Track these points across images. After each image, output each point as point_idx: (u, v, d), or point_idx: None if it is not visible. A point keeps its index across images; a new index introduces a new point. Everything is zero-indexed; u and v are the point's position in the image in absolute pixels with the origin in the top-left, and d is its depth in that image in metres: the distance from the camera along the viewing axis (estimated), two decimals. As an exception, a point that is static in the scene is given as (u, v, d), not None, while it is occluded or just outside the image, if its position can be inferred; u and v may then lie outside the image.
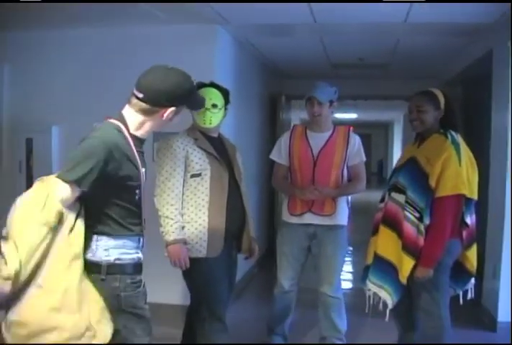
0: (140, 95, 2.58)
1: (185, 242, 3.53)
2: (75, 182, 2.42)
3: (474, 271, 3.75)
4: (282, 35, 5.86)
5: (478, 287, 5.30)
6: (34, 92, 5.59)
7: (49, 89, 5.51)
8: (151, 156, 4.55)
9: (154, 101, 2.59)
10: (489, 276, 5.31)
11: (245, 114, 6.47)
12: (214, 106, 3.68)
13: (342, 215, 4.31)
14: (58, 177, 2.45)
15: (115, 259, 2.57)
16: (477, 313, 5.34)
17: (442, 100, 3.66)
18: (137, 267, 2.65)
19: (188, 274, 3.63)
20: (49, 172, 5.27)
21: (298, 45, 6.44)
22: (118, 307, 2.55)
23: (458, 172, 3.45)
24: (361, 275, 3.94)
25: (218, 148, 3.72)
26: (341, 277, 4.42)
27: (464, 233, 3.61)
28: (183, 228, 3.56)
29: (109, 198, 2.56)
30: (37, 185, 2.47)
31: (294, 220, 4.30)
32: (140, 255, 2.69)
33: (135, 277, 2.62)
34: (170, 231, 3.49)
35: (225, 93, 3.79)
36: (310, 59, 7.13)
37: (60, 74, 5.48)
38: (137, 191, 2.65)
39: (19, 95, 5.65)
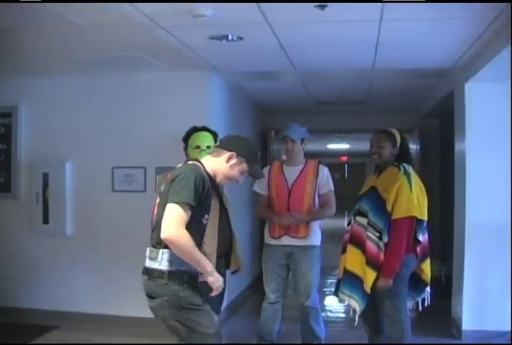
0: (217, 144, 3.45)
1: None
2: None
3: (429, 281, 4.38)
4: (267, 79, 6.48)
5: (448, 301, 5.94)
6: (49, 132, 6.19)
7: (63, 129, 6.11)
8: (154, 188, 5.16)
9: (221, 144, 3.44)
10: (455, 292, 5.87)
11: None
12: (208, 147, 4.36)
13: (315, 237, 4.93)
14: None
15: (175, 269, 3.16)
16: (448, 323, 5.92)
17: (398, 138, 4.31)
18: (193, 275, 3.22)
19: None
20: (63, 204, 5.95)
21: (283, 87, 7.05)
22: (179, 305, 3.14)
23: (409, 197, 4.08)
24: (334, 288, 4.54)
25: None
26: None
27: (418, 249, 4.24)
28: None
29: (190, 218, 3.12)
30: None
31: (273, 242, 4.92)
32: None
33: (191, 282, 3.21)
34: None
35: (215, 136, 4.48)
36: (295, 98, 7.71)
37: (71, 116, 6.09)
38: (206, 216, 3.32)
39: (35, 135, 6.25)
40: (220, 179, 3.42)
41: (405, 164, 4.24)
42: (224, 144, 3.44)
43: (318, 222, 5.01)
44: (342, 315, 6.72)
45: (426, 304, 4.49)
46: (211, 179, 3.35)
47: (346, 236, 4.41)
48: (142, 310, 5.48)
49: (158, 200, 3.38)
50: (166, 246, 3.13)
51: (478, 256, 5.49)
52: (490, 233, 5.43)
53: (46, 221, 6.16)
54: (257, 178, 3.89)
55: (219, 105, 6.36)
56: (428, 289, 4.43)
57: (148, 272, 3.21)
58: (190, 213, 3.08)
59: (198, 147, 4.36)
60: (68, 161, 6.12)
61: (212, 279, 3.20)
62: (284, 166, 5.01)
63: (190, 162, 3.39)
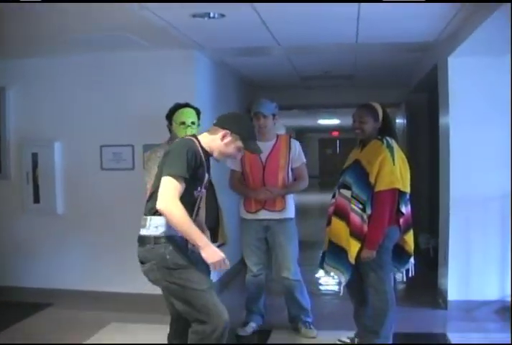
0: (214, 121, 3.51)
1: None
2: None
3: (412, 252, 4.44)
4: (252, 56, 6.49)
5: (436, 273, 6.05)
6: (37, 112, 6.23)
7: (51, 109, 6.16)
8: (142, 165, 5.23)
9: (218, 123, 3.47)
10: (441, 263, 5.98)
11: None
12: (193, 123, 4.46)
13: (290, 210, 5.03)
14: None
15: (161, 234, 3.31)
16: (435, 294, 6.05)
17: (380, 112, 4.36)
18: (178, 239, 3.33)
19: None
20: (53, 183, 6.00)
21: (269, 62, 7.06)
22: (167, 266, 3.29)
23: (392, 170, 4.14)
24: (319, 260, 4.60)
25: None
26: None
27: (401, 221, 4.30)
28: None
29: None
30: None
31: (250, 216, 5.00)
32: None
33: (177, 245, 3.33)
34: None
35: (198, 112, 4.56)
36: (281, 73, 7.76)
37: (59, 96, 6.13)
38: (199, 189, 3.44)
39: (24, 115, 6.29)
40: (216, 155, 3.51)
41: (388, 138, 4.28)
42: (219, 121, 3.51)
43: (292, 195, 5.09)
44: (331, 287, 6.85)
45: (410, 275, 4.56)
46: (207, 154, 3.46)
47: (331, 209, 4.47)
48: (132, 286, 5.69)
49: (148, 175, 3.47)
50: (154, 213, 3.30)
51: (462, 228, 5.58)
52: (474, 205, 5.52)
53: (37, 200, 6.22)
54: (254, 153, 3.96)
55: (205, 82, 6.39)
56: (412, 260, 4.49)
57: (140, 239, 3.37)
58: (184, 185, 3.22)
59: (183, 123, 4.43)
60: (57, 140, 6.17)
61: (205, 256, 3.26)
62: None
63: (186, 137, 3.51)
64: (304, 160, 5.12)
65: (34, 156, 6.21)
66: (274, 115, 5.01)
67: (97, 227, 6.05)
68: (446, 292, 5.69)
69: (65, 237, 6.17)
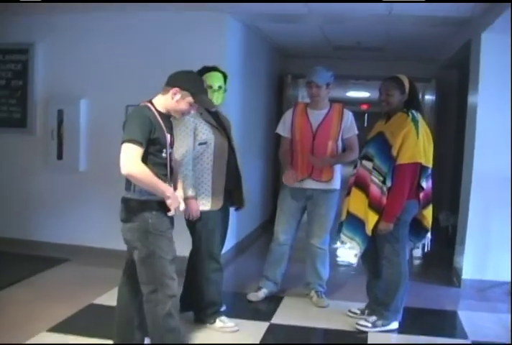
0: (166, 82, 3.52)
1: (196, 198, 4.25)
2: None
3: (429, 227, 4.45)
4: (284, 22, 6.42)
5: (452, 251, 6.05)
6: (64, 69, 6.25)
7: (78, 67, 6.16)
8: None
9: (169, 83, 3.51)
10: (459, 242, 5.97)
11: (253, 92, 7.08)
12: (220, 87, 4.41)
13: (336, 181, 5.00)
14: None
15: (146, 198, 3.42)
16: (450, 272, 6.06)
17: (407, 85, 4.33)
18: (161, 203, 3.44)
19: (192, 224, 4.34)
20: (77, 140, 6.08)
21: (301, 30, 7.00)
22: (147, 229, 3.43)
23: (415, 143, 4.13)
24: (336, 228, 4.64)
25: (217, 121, 4.43)
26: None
27: (421, 195, 4.30)
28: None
29: (148, 153, 3.39)
30: None
31: (295, 185, 4.95)
32: None
33: (159, 210, 3.45)
34: (187, 187, 4.17)
35: (225, 77, 4.50)
36: (312, 42, 7.68)
37: (87, 54, 6.12)
38: (164, 150, 3.49)
39: (51, 72, 6.32)
40: (173, 114, 3.60)
41: (413, 111, 4.26)
42: (169, 81, 3.56)
43: (340, 166, 5.05)
44: (346, 259, 6.90)
45: (426, 250, 4.57)
46: (165, 114, 3.54)
47: (352, 179, 4.48)
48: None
49: None
50: None
51: (482, 207, 5.57)
52: (495, 185, 5.49)
53: (60, 156, 6.28)
54: (206, 107, 4.06)
55: (235, 46, 6.37)
56: (429, 235, 4.50)
57: (124, 200, 3.52)
58: (140, 148, 3.31)
59: (210, 87, 4.39)
60: (83, 98, 6.19)
61: (170, 202, 3.42)
62: (308, 109, 5.00)
63: (141, 104, 3.55)
64: (356, 131, 5.07)
65: (60, 113, 6.25)
66: (328, 84, 4.93)
67: (118, 186, 6.07)
68: (461, 270, 5.70)
69: (86, 194, 6.24)
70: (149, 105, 3.50)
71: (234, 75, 6.30)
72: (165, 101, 3.52)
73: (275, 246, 5.14)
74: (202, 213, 4.27)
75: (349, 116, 5.05)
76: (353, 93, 17.17)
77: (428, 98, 9.41)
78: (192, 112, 3.95)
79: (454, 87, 8.83)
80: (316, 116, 4.96)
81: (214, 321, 4.42)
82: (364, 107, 24.91)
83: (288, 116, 5.07)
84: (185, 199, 4.08)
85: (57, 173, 6.30)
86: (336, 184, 5.02)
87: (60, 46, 6.27)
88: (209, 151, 4.31)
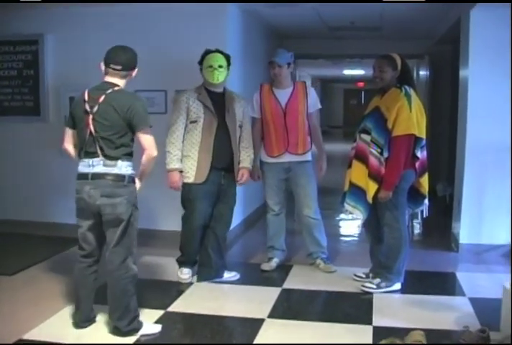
0: (119, 67, 3.81)
1: (181, 171, 4.79)
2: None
3: (426, 194, 4.77)
4: (281, 5, 6.62)
5: (450, 220, 6.35)
6: (73, 58, 6.51)
7: (87, 55, 6.20)
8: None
9: (129, 68, 3.83)
10: (455, 208, 6.28)
11: (253, 72, 7.28)
12: (220, 66, 4.80)
13: (309, 154, 5.33)
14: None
15: (131, 173, 3.80)
16: (449, 239, 6.36)
17: (399, 62, 4.61)
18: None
19: (181, 195, 4.94)
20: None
21: (296, 13, 7.20)
22: (133, 203, 3.82)
23: (409, 116, 4.43)
24: (340, 199, 4.95)
25: (216, 101, 4.84)
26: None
27: (417, 165, 4.61)
28: (181, 160, 4.78)
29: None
30: None
31: (272, 160, 5.29)
32: None
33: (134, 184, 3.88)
34: (169, 162, 4.77)
35: (227, 57, 4.90)
36: (308, 23, 7.90)
37: (95, 42, 6.19)
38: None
39: (61, 61, 6.60)
40: None
41: (406, 86, 4.55)
42: (127, 65, 3.83)
43: (309, 138, 5.34)
44: (349, 230, 7.30)
45: (424, 215, 4.91)
46: None
47: (352, 152, 4.79)
48: (168, 223, 6.10)
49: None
50: (127, 154, 3.80)
51: (477, 174, 5.85)
52: (488, 153, 5.76)
53: (73, 143, 6.52)
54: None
55: (235, 31, 6.61)
56: (426, 201, 4.81)
57: (110, 176, 3.73)
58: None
59: (210, 66, 4.78)
60: (92, 85, 6.38)
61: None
62: (274, 89, 5.28)
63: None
64: (319, 106, 5.43)
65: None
66: (289, 64, 5.23)
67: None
68: (458, 235, 5.99)
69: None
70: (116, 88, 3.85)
71: (235, 59, 6.48)
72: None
73: (271, 216, 5.47)
74: (185, 184, 4.84)
75: (312, 91, 5.42)
76: (349, 72, 17.43)
77: (423, 73, 9.66)
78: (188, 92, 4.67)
79: (447, 62, 9.05)
80: (282, 95, 5.25)
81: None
82: (361, 85, 25.15)
83: (255, 98, 5.34)
84: (168, 171, 4.78)
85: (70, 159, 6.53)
86: (309, 156, 5.36)
87: (69, 35, 6.52)
88: (198, 129, 4.79)
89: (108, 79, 3.84)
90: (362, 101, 27.44)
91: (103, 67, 3.86)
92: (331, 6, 6.73)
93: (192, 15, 6.16)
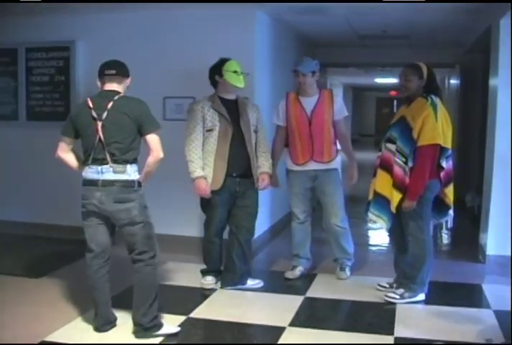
0: (112, 71, 3.96)
1: (205, 178, 4.83)
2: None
3: (451, 204, 4.73)
4: (311, 14, 6.66)
5: (478, 230, 6.28)
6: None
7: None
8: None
9: (122, 73, 4.02)
10: (483, 219, 6.20)
11: (282, 80, 7.31)
12: (242, 73, 4.89)
13: (337, 161, 5.32)
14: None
15: (138, 178, 3.93)
16: (476, 250, 6.28)
17: (425, 71, 4.60)
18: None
19: (200, 202, 5.06)
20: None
21: (327, 21, 7.23)
22: (144, 204, 3.98)
23: (434, 126, 4.41)
24: (364, 208, 4.92)
25: (230, 108, 4.90)
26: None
27: (442, 175, 4.58)
28: (202, 168, 4.82)
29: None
30: None
31: (298, 168, 5.30)
32: None
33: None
34: (193, 170, 4.80)
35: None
36: (338, 32, 7.91)
37: (125, 49, 6.28)
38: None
39: (92, 67, 6.40)
40: None
41: (432, 96, 4.53)
42: (120, 70, 4.01)
43: (338, 146, 5.35)
44: (376, 239, 7.26)
45: (449, 225, 4.90)
46: None
47: (377, 161, 4.78)
48: (185, 229, 6.16)
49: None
50: (133, 159, 3.92)
51: (505, 185, 5.76)
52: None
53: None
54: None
55: (264, 39, 6.62)
56: (451, 212, 4.77)
57: (121, 183, 3.86)
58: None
59: (235, 72, 4.85)
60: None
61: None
62: (300, 97, 5.29)
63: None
64: (346, 113, 5.42)
65: None
66: (314, 72, 5.23)
67: (157, 174, 6.40)
68: (486, 246, 5.92)
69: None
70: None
71: (265, 67, 6.59)
72: (126, 89, 4.13)
73: (296, 225, 5.47)
74: None
75: (339, 99, 5.42)
76: (380, 80, 17.37)
77: (454, 82, 9.60)
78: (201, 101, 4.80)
79: (479, 71, 8.94)
80: (308, 103, 5.25)
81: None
82: (393, 93, 25.03)
83: (281, 105, 5.36)
84: (194, 179, 4.82)
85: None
86: (336, 163, 5.34)
87: (100, 42, 6.60)
88: (214, 137, 4.85)
89: (108, 87, 3.98)
90: (394, 110, 27.34)
91: (99, 83, 4.02)
92: (363, 15, 6.75)
93: (221, 22, 6.20)
